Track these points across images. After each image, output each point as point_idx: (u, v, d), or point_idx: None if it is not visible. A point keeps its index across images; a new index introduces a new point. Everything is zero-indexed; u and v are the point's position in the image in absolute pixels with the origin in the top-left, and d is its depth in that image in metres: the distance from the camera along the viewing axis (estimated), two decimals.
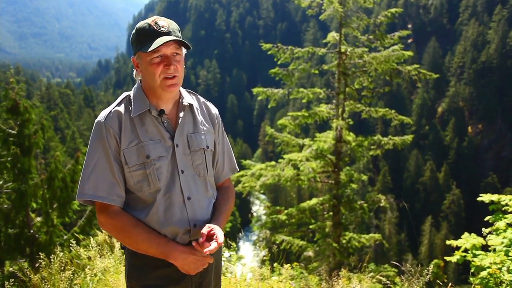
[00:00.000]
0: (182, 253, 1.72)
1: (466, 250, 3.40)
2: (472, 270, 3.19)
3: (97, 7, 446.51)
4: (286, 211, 9.62)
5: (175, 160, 1.80)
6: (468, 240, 3.43)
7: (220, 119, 2.04)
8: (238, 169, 2.12)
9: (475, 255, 3.28)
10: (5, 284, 3.02)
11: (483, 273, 3.03)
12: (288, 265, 4.04)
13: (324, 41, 9.76)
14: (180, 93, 1.90)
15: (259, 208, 45.05)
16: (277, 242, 9.11)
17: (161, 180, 1.76)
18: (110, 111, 1.78)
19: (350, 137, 9.32)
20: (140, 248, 1.74)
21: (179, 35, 1.79)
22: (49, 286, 3.06)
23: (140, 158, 1.74)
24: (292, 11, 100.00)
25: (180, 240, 1.79)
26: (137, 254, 1.79)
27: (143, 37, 1.74)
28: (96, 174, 1.73)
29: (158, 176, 1.75)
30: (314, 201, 9.61)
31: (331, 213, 9.57)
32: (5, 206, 7.48)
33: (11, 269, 7.45)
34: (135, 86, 1.87)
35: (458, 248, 3.47)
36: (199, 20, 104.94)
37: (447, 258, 3.48)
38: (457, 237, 3.64)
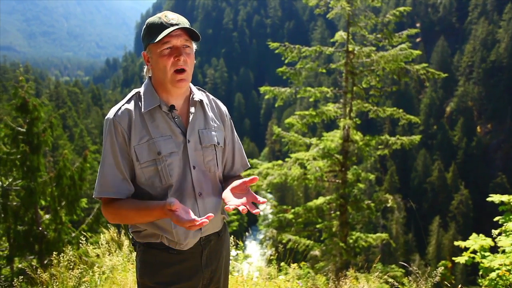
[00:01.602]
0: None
1: (474, 251, 3.37)
2: (480, 272, 3.16)
3: (105, 6, 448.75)
4: (293, 210, 9.61)
5: (186, 156, 1.79)
6: (476, 241, 3.40)
7: (230, 116, 2.04)
8: (249, 165, 2.12)
9: (483, 257, 3.25)
10: (15, 280, 3.05)
11: (492, 275, 3.00)
12: (295, 264, 4.03)
13: (332, 40, 9.73)
14: (191, 89, 1.89)
15: (265, 207, 45.06)
16: (284, 241, 9.10)
17: (173, 176, 1.76)
18: (120, 108, 1.77)
19: (357, 136, 9.28)
20: (141, 221, 1.72)
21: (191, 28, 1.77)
22: (58, 283, 3.09)
23: (151, 155, 1.74)
24: (299, 10, 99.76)
25: (192, 237, 1.79)
26: (149, 252, 1.79)
27: (153, 30, 1.74)
28: (105, 172, 1.74)
29: (169, 172, 1.75)
30: (321, 200, 9.59)
31: (338, 213, 9.55)
32: (15, 203, 7.55)
33: (20, 265, 7.53)
34: (145, 82, 1.86)
35: (466, 249, 3.44)
36: (206, 18, 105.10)
37: (455, 259, 3.45)
38: (465, 238, 3.61)
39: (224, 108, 2.02)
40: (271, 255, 4.38)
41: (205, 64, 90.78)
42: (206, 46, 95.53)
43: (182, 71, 1.74)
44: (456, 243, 3.59)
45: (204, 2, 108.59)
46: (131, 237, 1.93)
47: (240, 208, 1.61)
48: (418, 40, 62.68)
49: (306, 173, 9.04)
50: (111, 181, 1.73)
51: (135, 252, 1.89)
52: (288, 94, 9.64)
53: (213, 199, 1.85)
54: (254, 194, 1.69)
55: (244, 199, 1.67)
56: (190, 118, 1.82)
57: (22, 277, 3.15)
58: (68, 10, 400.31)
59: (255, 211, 1.61)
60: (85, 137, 39.80)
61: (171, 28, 1.70)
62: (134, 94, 1.83)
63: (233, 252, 4.11)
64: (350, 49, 9.27)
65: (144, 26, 1.80)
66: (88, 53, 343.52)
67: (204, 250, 1.85)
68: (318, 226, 9.77)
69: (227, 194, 1.73)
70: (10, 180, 7.77)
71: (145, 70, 1.88)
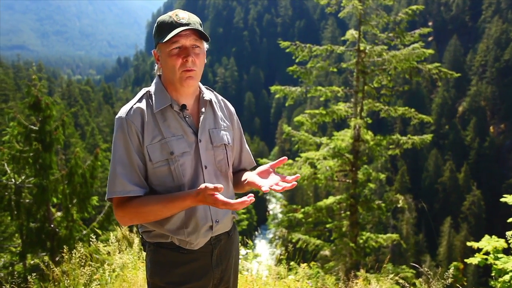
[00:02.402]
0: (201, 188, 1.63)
1: (487, 253, 3.32)
2: (493, 274, 3.12)
3: (117, 5, 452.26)
4: (302, 210, 9.58)
5: (198, 156, 1.79)
6: (489, 242, 3.35)
7: (237, 116, 2.04)
8: (255, 164, 2.11)
9: (496, 258, 3.20)
10: (28, 277, 3.09)
11: (506, 277, 2.96)
12: (305, 264, 4.02)
13: (343, 38, 9.67)
14: (200, 88, 1.89)
15: (275, 206, 45.04)
16: (294, 240, 9.09)
17: (185, 176, 1.75)
18: (131, 107, 1.76)
19: (368, 136, 9.22)
20: (167, 214, 1.70)
21: (200, 28, 1.76)
22: (69, 280, 3.11)
23: (164, 154, 1.73)
24: (310, 8, 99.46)
25: (203, 236, 1.79)
26: (159, 251, 1.79)
27: (163, 29, 1.73)
28: (121, 171, 1.71)
29: (182, 172, 1.75)
30: (331, 200, 9.55)
31: (348, 213, 9.50)
32: (27, 200, 7.63)
33: (32, 262, 7.63)
34: (155, 81, 1.86)
35: (479, 250, 3.39)
36: (217, 17, 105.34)
37: (467, 261, 3.40)
38: (477, 239, 3.57)
39: (232, 108, 2.03)
40: (280, 255, 4.37)
41: (215, 63, 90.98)
42: (216, 45, 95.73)
43: (190, 70, 1.74)
44: (468, 244, 3.55)
45: (215, 1, 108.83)
46: (141, 237, 1.93)
47: (278, 187, 1.62)
48: (430, 39, 62.05)
49: (316, 172, 9.01)
50: (129, 179, 1.71)
51: (145, 252, 1.89)
52: (298, 93, 9.61)
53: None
54: (282, 175, 1.71)
55: (277, 179, 1.70)
56: (201, 118, 1.82)
57: (35, 274, 3.18)
58: (80, 9, 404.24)
59: (289, 185, 1.63)
60: (96, 135, 40.15)
61: (180, 29, 1.69)
62: (145, 93, 1.82)
63: (242, 251, 4.11)
64: (362, 48, 9.21)
65: (155, 24, 1.79)
66: (99, 52, 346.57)
67: (214, 249, 1.85)
68: (328, 226, 9.74)
69: (255, 178, 1.75)
70: (23, 177, 7.85)
71: (156, 68, 1.88)
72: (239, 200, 1.55)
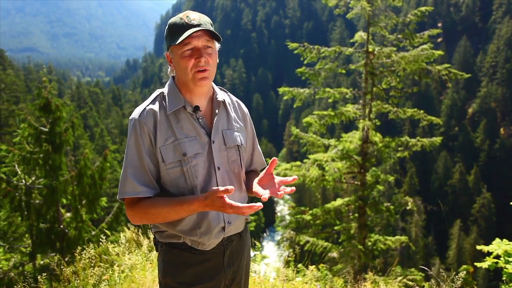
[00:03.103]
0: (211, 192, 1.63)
1: (498, 256, 3.29)
2: (504, 278, 3.08)
3: (126, 8, 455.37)
4: (310, 212, 9.55)
5: (211, 157, 1.79)
6: (500, 245, 3.31)
7: (250, 117, 2.04)
8: (266, 165, 2.11)
9: (507, 262, 3.16)
10: (38, 277, 3.12)
11: None
12: (313, 266, 4.01)
13: (351, 40, 9.64)
14: (213, 89, 1.90)
15: (283, 208, 44.97)
16: (301, 242, 9.06)
17: (198, 178, 1.76)
18: (144, 108, 1.77)
19: (377, 137, 9.17)
20: (175, 217, 1.71)
21: (211, 28, 1.77)
22: (79, 280, 3.14)
23: (177, 156, 1.74)
24: (318, 10, 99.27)
25: (215, 237, 1.80)
26: (172, 252, 1.80)
27: (174, 31, 1.74)
28: (131, 172, 1.72)
29: (195, 174, 1.75)
30: (339, 202, 9.51)
31: (356, 215, 9.46)
32: (37, 201, 7.70)
33: (42, 262, 7.69)
34: (168, 82, 1.87)
35: (489, 253, 3.35)
36: (225, 19, 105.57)
37: (478, 264, 3.37)
38: (487, 242, 3.52)
39: (246, 109, 2.03)
40: (288, 257, 4.37)
41: (223, 65, 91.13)
42: (224, 47, 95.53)
43: (203, 70, 1.74)
44: (478, 247, 3.51)
45: (223, 3, 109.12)
46: (153, 236, 1.94)
47: (279, 193, 1.66)
48: (439, 40, 61.62)
49: (324, 174, 8.98)
50: (139, 180, 1.72)
51: (157, 252, 1.90)
52: (306, 95, 9.59)
53: (237, 199, 1.84)
54: (283, 178, 1.73)
55: (275, 186, 1.73)
56: (215, 119, 1.82)
57: (45, 274, 3.21)
58: (90, 12, 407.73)
59: (289, 190, 1.67)
60: (106, 136, 40.42)
61: (192, 30, 1.69)
62: (158, 95, 1.83)
63: (250, 253, 4.11)
64: (370, 49, 9.17)
65: (167, 27, 1.80)
66: (109, 54, 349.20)
67: (226, 250, 1.86)
68: (336, 228, 9.69)
69: (257, 188, 1.76)
70: (33, 178, 7.93)
71: (168, 70, 1.88)
72: (247, 204, 1.56)
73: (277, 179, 1.75)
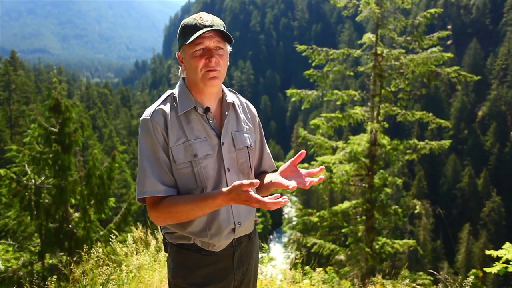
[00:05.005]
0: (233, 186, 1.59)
1: (507, 261, 3.25)
2: None
3: (136, 9, 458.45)
4: (318, 214, 9.53)
5: (221, 158, 1.79)
6: (510, 250, 3.28)
7: (259, 119, 2.05)
8: (276, 168, 2.10)
9: None
10: (49, 278, 3.14)
11: None
12: (321, 268, 3.99)
13: (360, 42, 9.61)
14: (223, 91, 1.90)
15: (290, 210, 44.87)
16: (308, 244, 9.04)
17: (208, 179, 1.76)
18: (155, 109, 1.77)
19: (385, 140, 9.13)
20: (200, 214, 1.68)
21: (223, 29, 1.77)
22: (87, 280, 3.16)
23: (188, 156, 1.74)
24: (327, 12, 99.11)
25: (225, 239, 1.80)
26: (181, 253, 1.81)
27: (187, 31, 1.74)
28: (150, 171, 1.72)
29: (205, 175, 1.75)
30: (346, 204, 9.47)
31: (364, 217, 9.41)
32: (46, 201, 7.77)
33: (50, 261, 7.76)
34: (178, 83, 1.87)
35: (498, 258, 3.32)
36: (234, 21, 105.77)
37: (487, 270, 3.33)
38: (496, 246, 3.49)
39: (255, 111, 2.03)
40: (295, 259, 4.36)
41: (232, 67, 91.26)
42: (233, 49, 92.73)
43: (213, 70, 1.74)
44: (487, 252, 3.47)
45: (231, 5, 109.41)
46: (163, 238, 1.94)
47: (306, 183, 1.65)
48: (449, 42, 61.19)
49: (332, 176, 8.96)
50: (159, 179, 1.71)
51: (167, 253, 1.90)
52: (314, 97, 9.58)
53: None
54: (309, 170, 1.71)
55: (301, 177, 1.71)
56: (224, 121, 1.83)
57: (55, 275, 3.24)
58: (100, 13, 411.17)
59: (317, 180, 1.65)
60: (114, 137, 40.64)
61: (204, 30, 1.70)
62: (168, 95, 1.83)
63: (259, 254, 4.10)
64: (379, 51, 9.13)
65: (179, 27, 1.80)
66: (118, 55, 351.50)
67: (236, 251, 1.86)
68: (343, 230, 9.66)
69: (280, 179, 1.74)
70: (43, 178, 8.00)
71: (179, 71, 1.89)
72: (274, 200, 1.51)
73: (303, 170, 1.73)
